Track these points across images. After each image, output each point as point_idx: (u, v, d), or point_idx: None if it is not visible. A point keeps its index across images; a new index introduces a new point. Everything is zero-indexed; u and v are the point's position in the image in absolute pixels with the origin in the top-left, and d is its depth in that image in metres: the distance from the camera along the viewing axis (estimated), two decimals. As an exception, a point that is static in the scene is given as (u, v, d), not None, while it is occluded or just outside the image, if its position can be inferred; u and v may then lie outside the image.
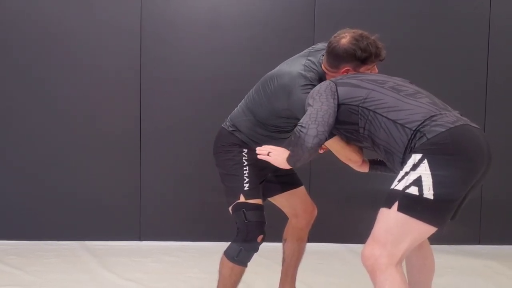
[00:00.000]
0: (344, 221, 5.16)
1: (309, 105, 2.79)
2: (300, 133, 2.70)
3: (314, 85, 3.01)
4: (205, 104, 5.16)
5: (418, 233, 2.55)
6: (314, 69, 3.11)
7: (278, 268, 3.70)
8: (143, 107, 5.22)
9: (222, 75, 5.14)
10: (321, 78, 3.08)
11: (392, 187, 2.58)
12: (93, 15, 5.16)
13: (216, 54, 5.19)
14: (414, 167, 2.52)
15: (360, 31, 2.99)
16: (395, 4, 5.23)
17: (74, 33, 5.15)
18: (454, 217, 2.70)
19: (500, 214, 5.37)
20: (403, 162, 2.61)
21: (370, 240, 2.57)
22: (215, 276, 3.31)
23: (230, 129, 3.37)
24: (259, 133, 3.30)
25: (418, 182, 2.50)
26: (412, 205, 2.50)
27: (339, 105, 2.77)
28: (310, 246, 4.32)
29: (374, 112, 2.70)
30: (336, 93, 2.81)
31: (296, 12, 5.14)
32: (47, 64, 5.16)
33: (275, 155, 3.00)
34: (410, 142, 2.60)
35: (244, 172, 3.26)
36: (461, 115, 2.73)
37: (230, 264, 3.22)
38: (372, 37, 2.97)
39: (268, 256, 4.28)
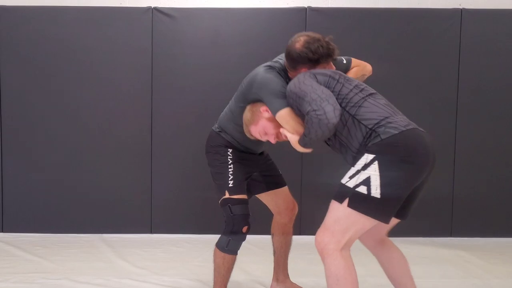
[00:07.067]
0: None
1: (301, 95, 2.79)
2: (319, 115, 2.68)
3: (278, 72, 3.11)
4: (207, 111, 5.21)
5: (363, 224, 2.73)
6: (277, 61, 3.23)
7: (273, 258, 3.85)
8: (154, 114, 5.37)
9: (222, 86, 5.21)
10: (285, 71, 3.18)
11: (343, 182, 2.72)
12: (110, 35, 5.34)
13: (217, 68, 5.33)
14: (365, 166, 2.65)
15: (313, 34, 3.02)
16: (375, 25, 5.37)
17: (94, 50, 5.32)
18: (406, 216, 2.89)
19: (470, 209, 5.48)
20: (355, 158, 2.74)
21: (322, 228, 2.76)
22: (214, 265, 3.42)
23: (217, 130, 3.44)
24: (239, 132, 3.36)
25: (367, 182, 2.63)
26: (360, 202, 2.66)
27: None
28: (301, 239, 4.61)
29: (340, 104, 2.79)
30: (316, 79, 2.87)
31: (288, 31, 5.22)
32: (68, 77, 5.33)
33: (290, 137, 3.00)
34: (365, 140, 2.70)
35: (229, 170, 3.31)
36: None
37: (221, 254, 3.34)
38: (325, 39, 3.01)
39: (264, 247, 4.50)
